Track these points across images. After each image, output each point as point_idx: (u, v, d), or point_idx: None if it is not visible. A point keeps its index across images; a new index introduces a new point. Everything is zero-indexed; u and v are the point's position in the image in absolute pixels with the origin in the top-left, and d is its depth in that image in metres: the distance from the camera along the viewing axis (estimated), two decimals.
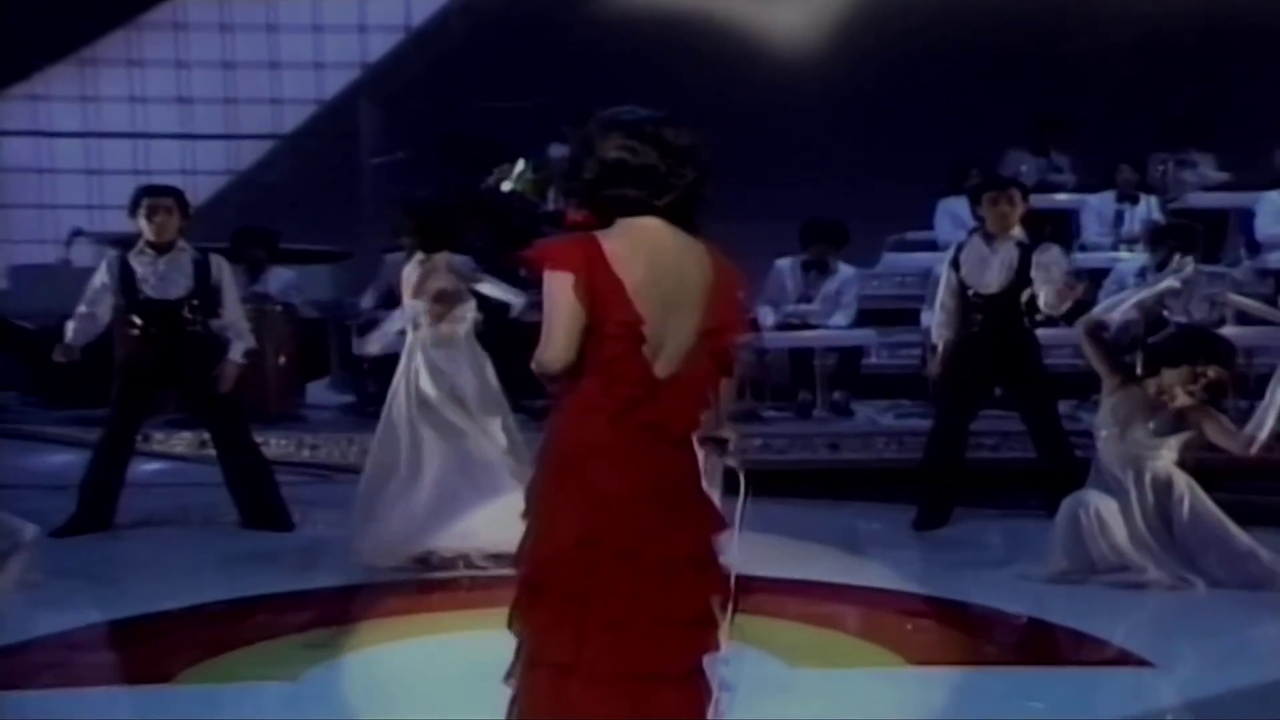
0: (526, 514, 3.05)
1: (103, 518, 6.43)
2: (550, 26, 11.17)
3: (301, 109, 11.82)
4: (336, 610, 5.28)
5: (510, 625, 3.10)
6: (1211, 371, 5.51)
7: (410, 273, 6.10)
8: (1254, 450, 5.48)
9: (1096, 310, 5.95)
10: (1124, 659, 4.65)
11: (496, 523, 5.36)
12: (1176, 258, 6.50)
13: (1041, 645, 4.94)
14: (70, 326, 6.53)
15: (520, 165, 9.55)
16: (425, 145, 10.11)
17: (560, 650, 2.96)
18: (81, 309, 6.55)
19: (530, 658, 3.00)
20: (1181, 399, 5.46)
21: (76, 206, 11.00)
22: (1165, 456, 5.46)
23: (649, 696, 2.99)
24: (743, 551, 5.87)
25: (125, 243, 7.73)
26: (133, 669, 4.65)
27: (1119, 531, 5.36)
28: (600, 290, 2.95)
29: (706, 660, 3.06)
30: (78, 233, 10.01)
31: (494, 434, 5.91)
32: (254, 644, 4.84)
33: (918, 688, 4.35)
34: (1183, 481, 5.46)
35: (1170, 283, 6.27)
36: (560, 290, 2.92)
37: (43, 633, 4.94)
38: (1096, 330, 5.69)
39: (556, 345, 2.93)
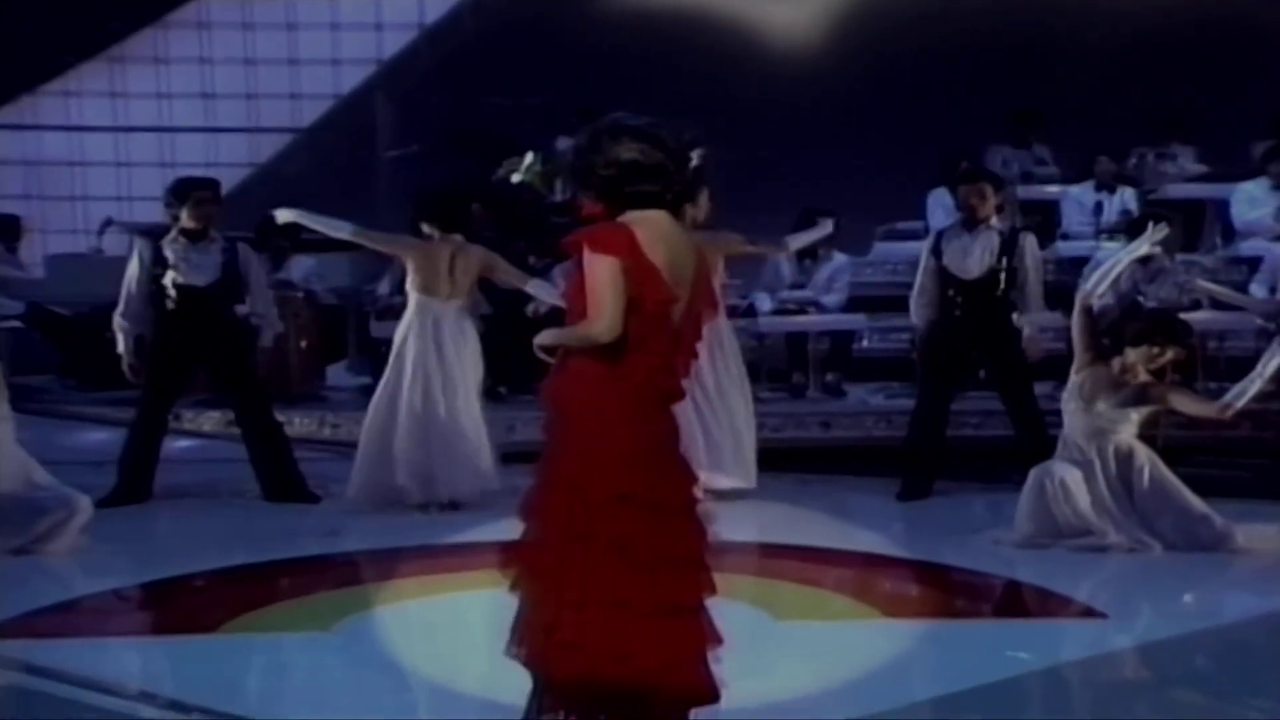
0: (550, 471, 3.39)
1: (141, 490, 6.75)
2: (557, 25, 11.34)
3: (319, 104, 11.94)
4: (360, 571, 5.71)
5: (514, 586, 3.46)
6: (1171, 351, 5.86)
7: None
8: (1229, 414, 5.79)
9: (1089, 285, 6.07)
10: (1081, 612, 5.00)
11: (459, 476, 6.40)
12: (1151, 225, 6.49)
13: (1007, 600, 5.29)
14: (121, 341, 6.77)
15: (529, 158, 9.82)
16: (438, 139, 10.34)
17: (608, 589, 3.32)
18: (127, 308, 6.79)
19: (580, 598, 3.32)
20: (1143, 376, 5.81)
21: (107, 198, 11.19)
22: (1127, 429, 5.78)
23: (675, 627, 3.39)
24: (744, 520, 6.27)
25: (152, 231, 8.06)
26: (180, 621, 5.00)
27: (1082, 499, 5.68)
28: (640, 272, 3.32)
29: (707, 597, 3.47)
30: (109, 222, 10.16)
31: (471, 400, 6.52)
32: (286, 600, 5.24)
33: (892, 637, 4.68)
34: (1143, 453, 5.79)
35: (1147, 247, 6.33)
36: (609, 271, 3.28)
37: (94, 590, 5.33)
38: (1089, 309, 5.92)
39: (610, 319, 3.28)
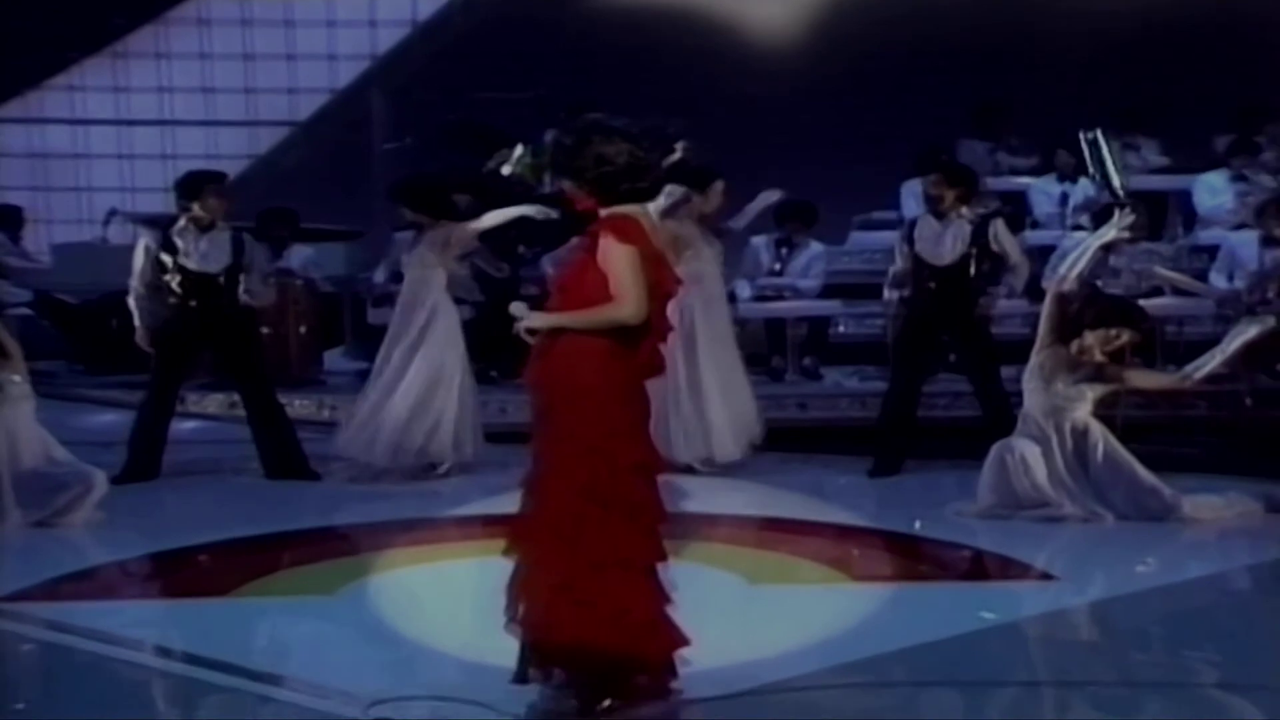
0: (567, 442, 3.62)
1: (150, 468, 6.98)
2: (546, 21, 11.38)
3: (316, 98, 11.98)
4: (359, 542, 5.97)
5: (512, 551, 3.73)
6: (1126, 335, 6.15)
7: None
8: (1188, 385, 6.11)
9: (1062, 271, 6.33)
10: (1035, 575, 5.32)
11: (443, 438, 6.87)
12: (1118, 212, 6.78)
13: (967, 566, 5.57)
14: (137, 315, 7.01)
15: (519, 150, 9.84)
16: (431, 132, 10.41)
17: (621, 550, 3.62)
18: (139, 290, 7.03)
19: (599, 559, 3.60)
20: (1099, 357, 6.10)
21: (110, 189, 11.21)
22: (1083, 408, 6.07)
23: (656, 584, 3.73)
24: (725, 495, 6.53)
25: (155, 221, 8.28)
26: (195, 585, 5.28)
27: (1040, 472, 5.96)
28: (652, 260, 3.63)
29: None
30: (113, 213, 10.24)
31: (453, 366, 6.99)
32: (293, 568, 5.53)
33: (858, 599, 5.00)
34: (1097, 429, 6.09)
35: (1114, 233, 6.60)
36: (632, 259, 3.57)
37: (111, 560, 5.60)
38: (1062, 295, 6.15)
39: (639, 302, 3.58)
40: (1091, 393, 6.07)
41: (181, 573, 5.46)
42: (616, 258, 3.58)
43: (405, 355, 7.03)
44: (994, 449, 6.13)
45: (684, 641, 3.77)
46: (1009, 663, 4.45)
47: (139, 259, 7.09)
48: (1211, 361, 6.02)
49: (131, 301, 7.09)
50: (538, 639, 3.72)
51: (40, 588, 5.07)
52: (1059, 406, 6.05)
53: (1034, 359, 6.17)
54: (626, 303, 3.57)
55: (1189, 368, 6.11)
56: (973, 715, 3.98)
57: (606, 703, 3.71)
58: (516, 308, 3.73)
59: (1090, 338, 6.05)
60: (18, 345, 6.13)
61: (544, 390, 3.70)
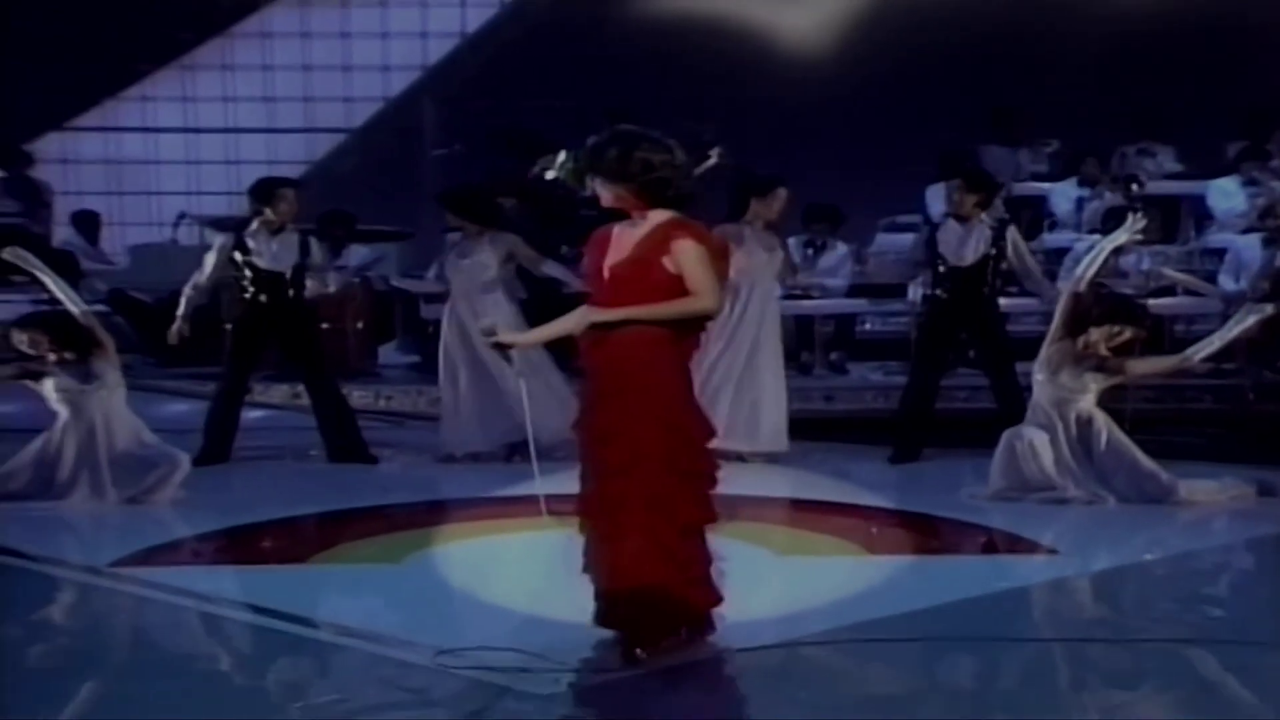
0: (646, 419, 3.96)
1: (223, 452, 7.40)
2: (586, 33, 11.73)
3: (370, 106, 12.35)
4: (420, 518, 6.37)
5: (584, 521, 4.07)
6: (1129, 331, 6.48)
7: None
8: (1188, 365, 6.44)
9: (1079, 271, 6.64)
10: (1038, 549, 5.68)
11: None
12: (1130, 216, 7.02)
13: (976, 541, 5.94)
14: (183, 306, 7.42)
15: (562, 156, 10.09)
16: (479, 138, 10.69)
17: (697, 514, 4.05)
18: (198, 284, 7.47)
19: (689, 523, 4.02)
20: (1103, 352, 6.45)
21: (179, 193, 11.58)
22: (1087, 398, 6.41)
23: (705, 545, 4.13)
24: (757, 479, 6.87)
25: (221, 223, 8.72)
26: (274, 554, 5.73)
27: (1047, 458, 6.31)
28: (716, 257, 4.01)
29: None
30: (183, 216, 10.60)
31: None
32: (360, 540, 5.93)
33: (876, 569, 5.37)
34: (1100, 418, 6.43)
35: (1126, 235, 6.82)
36: (705, 257, 3.96)
37: (194, 533, 6.03)
38: (1078, 294, 6.45)
39: (718, 295, 4.00)
40: (1095, 384, 6.40)
41: (259, 544, 5.89)
42: (694, 256, 3.94)
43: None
44: (1005, 436, 6.47)
45: (720, 598, 4.17)
46: (1014, 624, 4.81)
47: (212, 256, 7.51)
48: (1210, 346, 6.37)
49: (185, 292, 7.47)
50: (620, 591, 4.04)
51: (134, 556, 5.49)
52: (1065, 397, 6.38)
53: (1043, 352, 6.49)
54: (706, 296, 3.96)
55: (1189, 350, 6.45)
56: (978, 668, 4.32)
57: (640, 652, 4.07)
58: (486, 326, 4.22)
59: (1095, 333, 6.38)
60: (110, 338, 6.56)
61: (613, 375, 4.00)
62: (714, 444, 4.17)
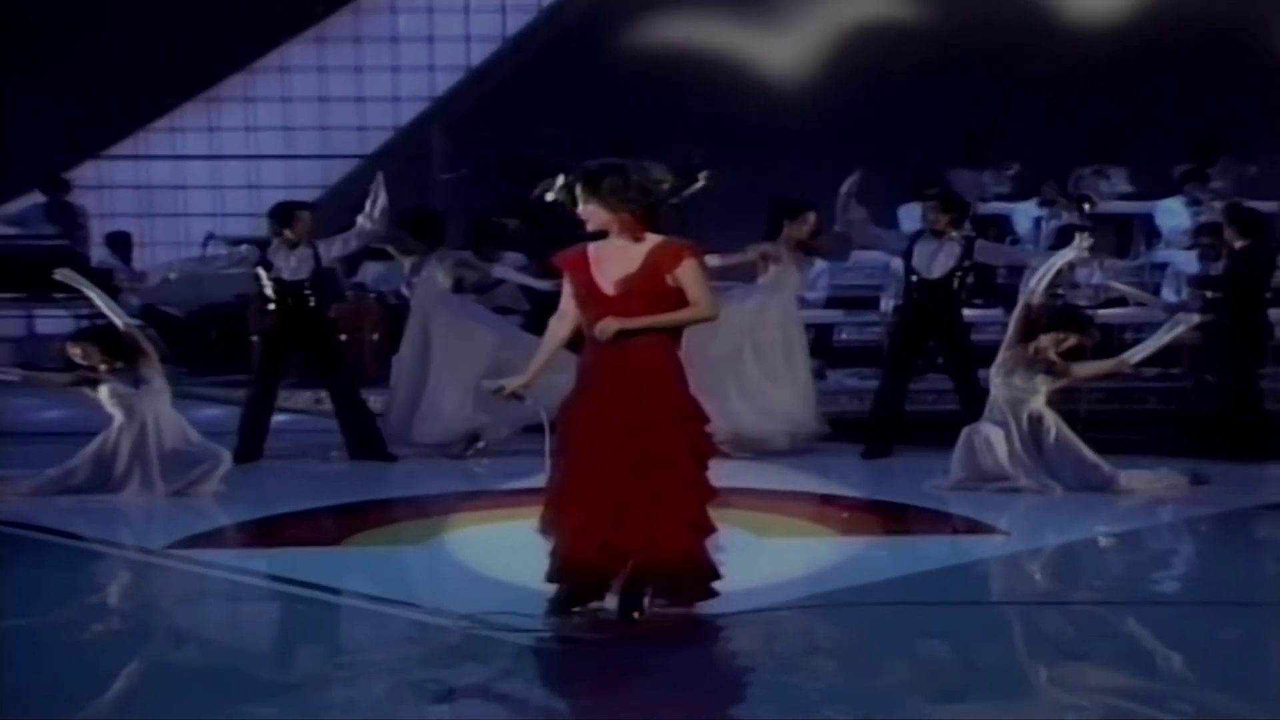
0: (673, 411, 4.44)
1: (255, 451, 7.87)
2: (582, 66, 11.99)
3: (382, 134, 12.51)
4: (436, 507, 6.81)
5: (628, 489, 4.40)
6: (1073, 338, 6.97)
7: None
8: (1126, 368, 6.94)
9: (1031, 284, 7.08)
10: (992, 530, 6.15)
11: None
12: (1077, 236, 7.51)
13: (936, 525, 6.40)
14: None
15: (561, 180, 10.68)
16: (483, 163, 11.07)
17: (710, 490, 4.54)
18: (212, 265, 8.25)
19: (711, 499, 4.50)
20: (1052, 356, 6.93)
21: (204, 215, 11.84)
22: (1037, 399, 6.89)
23: None
24: (741, 471, 7.35)
25: (243, 243, 9.16)
26: (310, 537, 6.19)
27: (1002, 451, 6.77)
28: (703, 270, 4.48)
29: None
30: (210, 237, 10.67)
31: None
32: (384, 526, 6.42)
33: (846, 548, 5.88)
34: (1050, 416, 6.91)
35: (1073, 253, 7.26)
36: (701, 271, 4.44)
37: (235, 521, 6.49)
38: (1030, 305, 6.91)
39: (716, 304, 4.51)
40: (1045, 386, 6.87)
41: (294, 530, 6.35)
42: (696, 274, 4.43)
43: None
44: (964, 432, 6.95)
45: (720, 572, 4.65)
46: (968, 589, 5.31)
47: (236, 251, 8.23)
48: (1143, 351, 6.88)
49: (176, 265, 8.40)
50: (662, 562, 4.47)
51: (184, 540, 5.96)
52: (1018, 398, 6.87)
53: (999, 357, 6.97)
54: (708, 306, 4.48)
55: (1126, 354, 6.97)
56: (936, 628, 4.75)
57: (637, 615, 4.53)
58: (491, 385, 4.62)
59: (1044, 340, 6.87)
60: (152, 347, 7.04)
61: (636, 374, 4.44)
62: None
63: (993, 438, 6.82)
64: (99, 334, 6.96)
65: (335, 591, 5.13)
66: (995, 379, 6.95)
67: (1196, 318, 7.12)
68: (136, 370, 6.83)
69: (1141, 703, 3.88)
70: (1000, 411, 6.90)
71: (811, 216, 8.24)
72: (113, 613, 5.15)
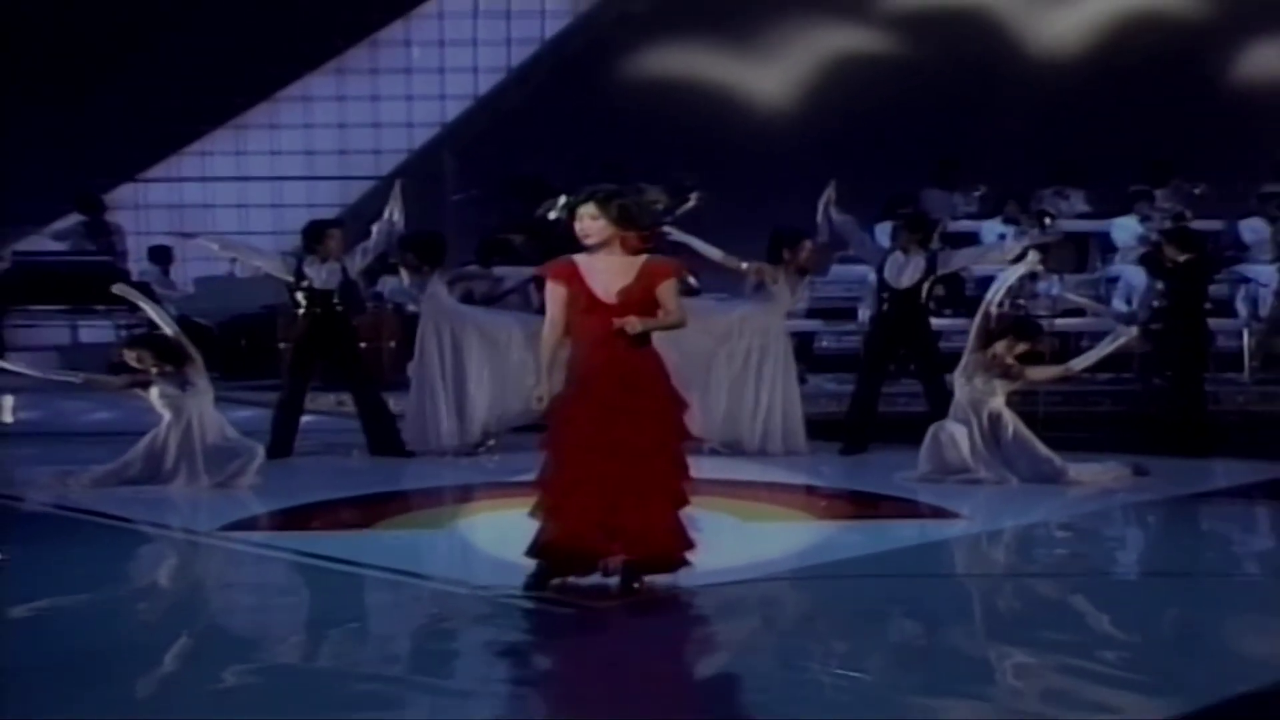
0: (663, 401, 4.81)
1: (286, 448, 8.25)
2: (582, 94, 12.41)
3: (396, 157, 12.87)
4: (452, 497, 7.24)
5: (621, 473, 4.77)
6: (1022, 344, 7.35)
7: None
8: (1072, 374, 7.34)
9: (989, 296, 7.49)
10: (948, 514, 6.56)
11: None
12: (1030, 255, 8.00)
13: (904, 511, 6.79)
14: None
15: (563, 199, 10.90)
16: (491, 185, 11.44)
17: (688, 471, 4.94)
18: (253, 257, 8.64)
19: (688, 477, 4.87)
20: (1009, 361, 7.34)
21: (232, 232, 11.85)
22: (996, 399, 7.30)
23: None
24: (728, 466, 7.73)
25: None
26: (340, 522, 6.57)
27: (964, 446, 7.15)
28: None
29: None
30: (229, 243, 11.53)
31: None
32: (409, 513, 6.82)
33: (822, 530, 6.30)
34: (1008, 414, 7.30)
35: (1026, 269, 7.85)
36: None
37: (273, 509, 6.88)
38: (988, 313, 7.35)
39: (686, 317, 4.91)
40: (1002, 388, 7.28)
41: (327, 516, 6.73)
42: (674, 290, 4.85)
43: None
44: (931, 429, 7.35)
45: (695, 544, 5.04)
46: (932, 563, 5.73)
47: (271, 256, 8.66)
48: (1088, 359, 7.31)
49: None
50: (660, 540, 4.80)
51: (230, 525, 6.35)
52: (978, 398, 7.27)
53: (962, 361, 7.39)
54: (681, 316, 4.91)
55: (1072, 361, 7.40)
56: (899, 596, 5.15)
57: (637, 585, 4.89)
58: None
59: (999, 346, 7.27)
60: (198, 353, 7.44)
61: (637, 374, 4.82)
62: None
63: (956, 434, 7.21)
64: (151, 341, 7.36)
65: (366, 567, 5.50)
66: (958, 381, 7.34)
67: (1135, 330, 7.53)
68: (184, 374, 7.23)
69: (1083, 658, 4.25)
70: (963, 411, 7.29)
71: (808, 244, 8.60)
72: (179, 582, 5.63)
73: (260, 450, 7.34)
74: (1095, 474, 7.24)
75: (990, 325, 7.34)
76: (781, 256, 8.47)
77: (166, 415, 7.21)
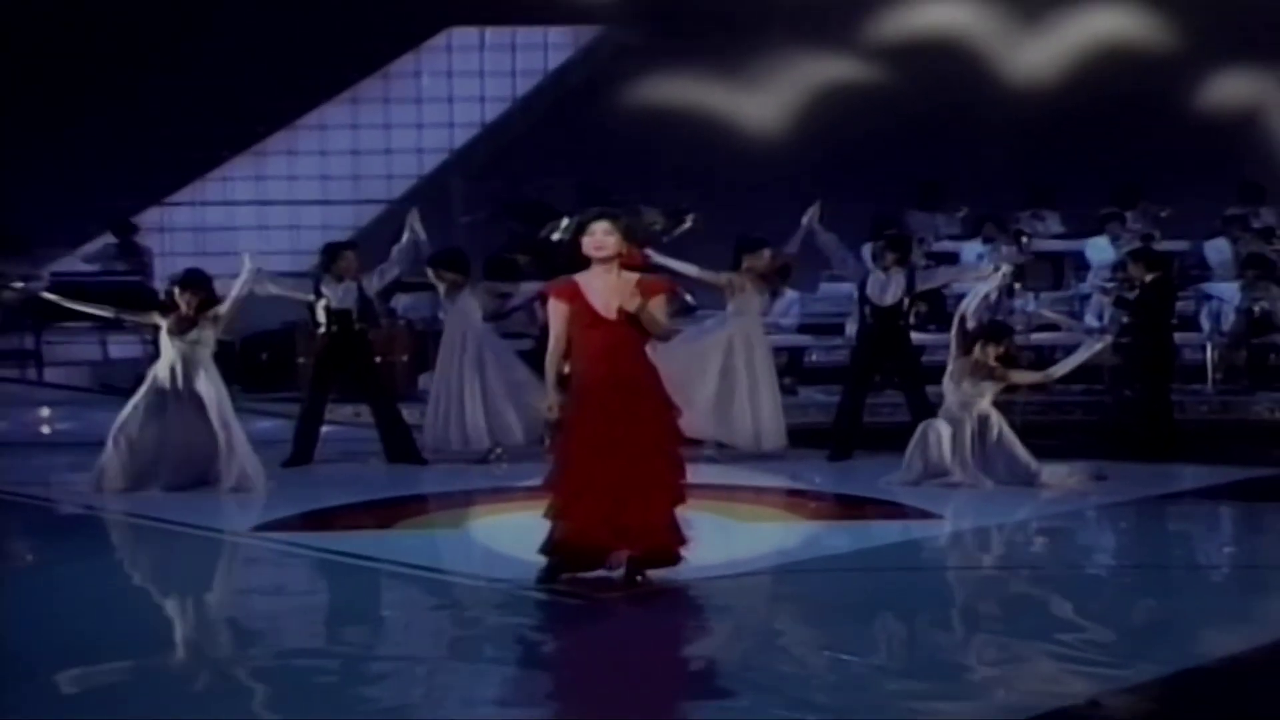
0: (660, 406, 5.05)
1: (308, 456, 8.49)
2: (583, 122, 12.56)
3: (407, 182, 12.98)
4: (467, 500, 7.41)
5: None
6: (993, 347, 7.53)
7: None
8: (1050, 380, 7.63)
9: (961, 307, 7.78)
10: (928, 515, 6.81)
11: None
12: (1004, 267, 8.33)
13: (886, 512, 7.02)
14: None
15: (565, 221, 10.38)
16: (497, 207, 11.59)
17: (684, 469, 5.22)
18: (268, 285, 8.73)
19: (684, 476, 5.13)
20: (991, 363, 7.55)
21: (252, 252, 12.60)
22: (983, 401, 7.49)
23: None
24: (724, 471, 8.01)
25: (290, 276, 9.74)
26: (365, 522, 6.80)
27: (947, 446, 7.32)
28: None
29: None
30: (257, 272, 11.80)
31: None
32: (426, 514, 7.10)
33: (811, 529, 6.58)
34: (995, 417, 7.49)
35: (995, 283, 8.24)
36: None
37: (299, 511, 7.11)
38: (963, 321, 7.62)
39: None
40: (989, 390, 7.48)
41: (350, 517, 6.97)
42: (665, 303, 5.10)
43: None
44: (920, 426, 7.53)
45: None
46: (913, 559, 6.01)
47: (290, 285, 8.87)
48: (1065, 367, 7.61)
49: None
50: (661, 533, 5.00)
51: (261, 526, 6.63)
52: (966, 400, 7.48)
53: (949, 368, 7.60)
54: (668, 329, 5.20)
55: (1051, 369, 7.71)
56: (880, 588, 5.43)
57: (640, 578, 5.13)
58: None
59: (976, 350, 7.51)
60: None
61: (639, 378, 5.07)
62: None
63: (944, 433, 7.39)
64: (203, 284, 7.93)
65: (391, 562, 5.77)
66: (947, 386, 7.54)
67: (1109, 338, 7.82)
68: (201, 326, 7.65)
69: (1047, 640, 4.54)
70: (953, 413, 7.48)
71: (767, 252, 8.86)
72: (224, 576, 5.96)
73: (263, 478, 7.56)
74: (1061, 478, 7.46)
75: (966, 330, 7.60)
76: (741, 263, 8.69)
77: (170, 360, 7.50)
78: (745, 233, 9.13)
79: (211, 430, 7.47)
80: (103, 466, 7.43)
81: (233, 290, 7.91)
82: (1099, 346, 7.72)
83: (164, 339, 7.62)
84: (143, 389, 7.60)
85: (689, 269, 8.64)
